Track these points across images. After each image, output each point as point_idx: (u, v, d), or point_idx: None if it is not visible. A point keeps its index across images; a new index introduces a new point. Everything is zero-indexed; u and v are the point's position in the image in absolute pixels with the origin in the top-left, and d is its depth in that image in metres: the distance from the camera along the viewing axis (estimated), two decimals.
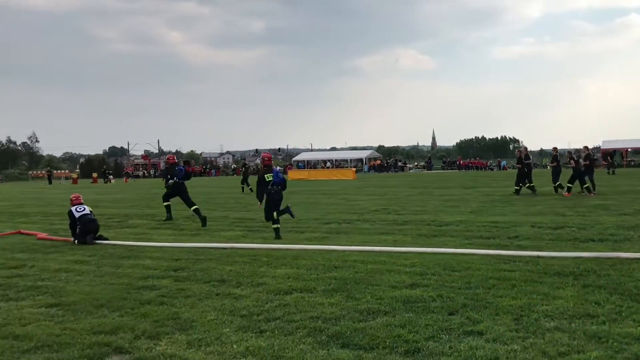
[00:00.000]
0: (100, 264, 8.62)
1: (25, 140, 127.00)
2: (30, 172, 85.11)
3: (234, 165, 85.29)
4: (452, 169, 64.81)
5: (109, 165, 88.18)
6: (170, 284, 6.98)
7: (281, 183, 11.26)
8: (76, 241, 10.86)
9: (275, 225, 11.01)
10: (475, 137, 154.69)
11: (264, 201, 11.32)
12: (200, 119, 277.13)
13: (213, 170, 79.36)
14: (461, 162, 67.89)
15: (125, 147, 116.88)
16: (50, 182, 56.59)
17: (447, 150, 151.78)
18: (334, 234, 11.37)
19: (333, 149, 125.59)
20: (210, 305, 5.93)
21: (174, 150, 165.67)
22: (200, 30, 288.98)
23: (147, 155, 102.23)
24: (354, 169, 52.14)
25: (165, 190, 15.09)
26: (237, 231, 12.21)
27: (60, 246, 10.65)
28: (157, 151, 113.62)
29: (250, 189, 27.83)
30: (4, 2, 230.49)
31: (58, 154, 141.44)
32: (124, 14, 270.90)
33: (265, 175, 11.36)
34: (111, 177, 58.31)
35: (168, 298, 6.28)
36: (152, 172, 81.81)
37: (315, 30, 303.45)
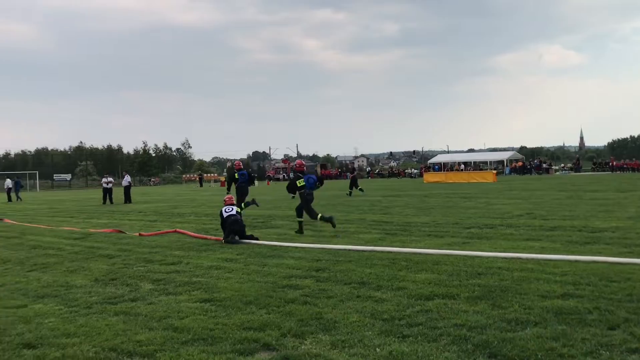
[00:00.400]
0: (247, 262, 9.06)
1: (180, 146, 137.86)
2: (183, 176, 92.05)
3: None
4: (604, 171, 59.84)
5: (253, 168, 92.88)
6: (313, 284, 7.14)
7: (312, 186, 12.83)
8: (224, 240, 11.53)
9: (299, 219, 12.59)
10: (630, 136, 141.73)
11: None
12: (335, 123, 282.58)
13: (348, 173, 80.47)
14: (614, 163, 62.52)
15: (267, 151, 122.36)
16: (201, 185, 60.85)
17: (596, 151, 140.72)
18: (475, 239, 10.96)
19: (471, 150, 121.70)
20: (351, 307, 5.98)
21: (310, 154, 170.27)
22: (336, 37, 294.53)
23: (287, 159, 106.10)
24: (494, 171, 50.09)
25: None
26: (374, 234, 12.22)
27: (212, 244, 11.36)
28: (295, 155, 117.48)
29: (360, 189, 28.75)
30: (162, 22, 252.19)
31: (207, 158, 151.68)
32: (265, 25, 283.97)
33: (298, 181, 12.77)
34: (255, 179, 61.42)
35: (311, 298, 6.42)
36: (291, 175, 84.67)
37: (450, 29, 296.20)
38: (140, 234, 13.60)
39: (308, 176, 12.99)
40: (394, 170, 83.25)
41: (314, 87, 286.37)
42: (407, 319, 5.43)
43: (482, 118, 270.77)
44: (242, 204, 13.23)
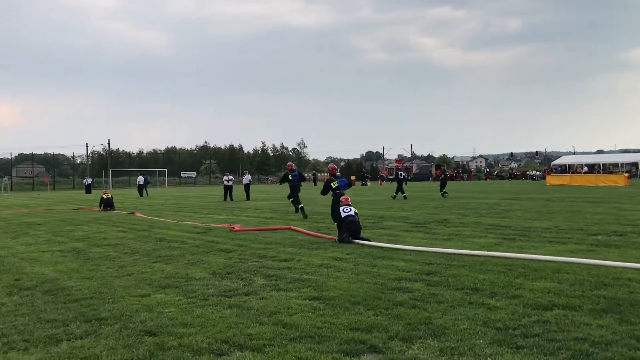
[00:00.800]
0: (357, 262, 9.06)
1: (295, 146, 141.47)
2: None
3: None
4: None
5: (366, 168, 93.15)
6: (423, 288, 6.98)
7: (346, 187, 15.05)
8: (337, 239, 11.62)
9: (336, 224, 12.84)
10: None
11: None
12: (452, 123, 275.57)
13: (465, 175, 78.20)
14: None
15: (381, 151, 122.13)
16: (315, 184, 61.96)
17: None
18: (602, 247, 10.18)
19: (600, 152, 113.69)
20: (463, 313, 5.76)
21: (425, 155, 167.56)
22: (454, 34, 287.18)
23: (401, 159, 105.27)
24: (626, 174, 46.35)
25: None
26: (490, 238, 11.75)
27: (323, 243, 11.50)
28: (409, 155, 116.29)
29: (444, 193, 29.09)
30: (281, 25, 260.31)
31: (322, 158, 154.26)
32: (380, 25, 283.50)
33: (332, 183, 14.95)
34: (368, 180, 61.49)
35: (420, 302, 6.28)
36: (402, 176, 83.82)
37: (578, 24, 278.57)
38: (257, 229, 14.09)
39: (340, 179, 15.31)
40: (514, 171, 79.81)
41: (431, 85, 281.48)
42: (522, 329, 5.14)
43: (612, 117, 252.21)
44: (291, 200, 18.58)
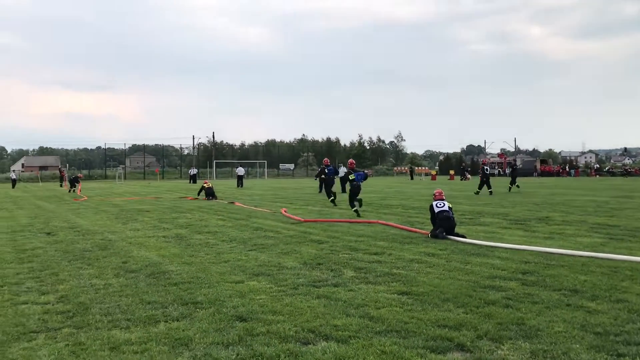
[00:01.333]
0: (450, 258, 8.86)
1: (393, 139, 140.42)
2: (395, 168, 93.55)
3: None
4: None
5: (467, 162, 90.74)
6: (517, 287, 6.71)
7: (362, 179, 17.26)
8: (430, 234, 11.42)
9: (353, 209, 16.44)
10: None
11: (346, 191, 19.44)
12: (560, 116, 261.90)
13: (571, 170, 74.11)
14: None
15: (482, 145, 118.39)
16: (411, 178, 61.31)
17: None
18: None
19: None
20: (559, 315, 5.48)
21: (530, 149, 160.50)
22: (564, 22, 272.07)
23: (504, 153, 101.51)
24: None
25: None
26: (595, 238, 11.06)
27: (415, 238, 11.35)
28: (513, 149, 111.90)
29: (518, 185, 29.65)
30: (383, 18, 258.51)
31: (420, 151, 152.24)
32: (484, 14, 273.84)
33: (350, 176, 17.19)
34: (468, 174, 59.88)
35: (514, 301, 6.04)
36: (507, 171, 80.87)
37: None
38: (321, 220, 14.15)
39: (357, 173, 17.64)
40: (627, 168, 74.58)
41: (537, 77, 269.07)
42: (625, 336, 4.81)
43: None
44: (327, 192, 22.72)
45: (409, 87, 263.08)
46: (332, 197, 21.07)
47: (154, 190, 38.06)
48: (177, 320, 5.57)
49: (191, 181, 55.52)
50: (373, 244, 10.59)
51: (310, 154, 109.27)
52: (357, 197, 16.74)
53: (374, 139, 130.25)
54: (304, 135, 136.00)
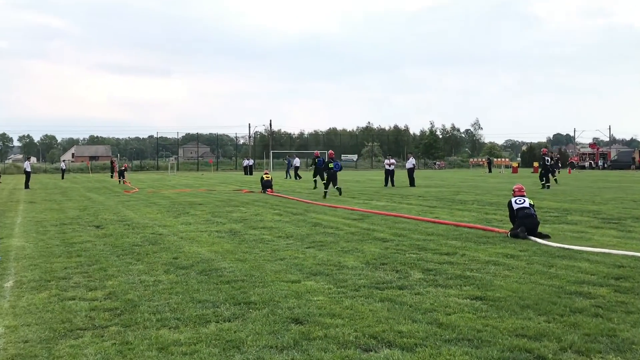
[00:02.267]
0: (531, 260, 8.63)
1: (469, 127, 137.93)
2: (470, 160, 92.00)
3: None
4: None
5: (554, 153, 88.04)
6: (609, 294, 6.46)
7: (339, 169, 23.98)
8: (509, 234, 11.15)
9: (324, 190, 22.96)
10: None
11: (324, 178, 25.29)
12: None
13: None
14: None
15: (571, 134, 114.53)
16: (489, 171, 60.13)
17: None
18: None
19: None
20: None
21: (627, 138, 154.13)
22: None
23: (596, 143, 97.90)
24: None
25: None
26: None
27: (492, 237, 11.11)
28: (607, 139, 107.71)
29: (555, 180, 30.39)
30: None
31: (500, 141, 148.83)
32: None
33: (330, 164, 22.88)
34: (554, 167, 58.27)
35: (604, 310, 5.82)
36: (600, 162, 78.03)
37: None
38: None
39: (336, 162, 23.42)
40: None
41: (637, 55, 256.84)
42: None
43: None
44: (316, 179, 29.87)
45: (487, 69, 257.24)
46: (324, 185, 24.36)
47: (207, 182, 38.95)
48: (229, 321, 5.68)
49: (246, 173, 56.50)
50: (444, 243, 10.45)
51: (375, 143, 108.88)
52: (337, 186, 23.15)
53: (448, 127, 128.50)
54: (369, 123, 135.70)
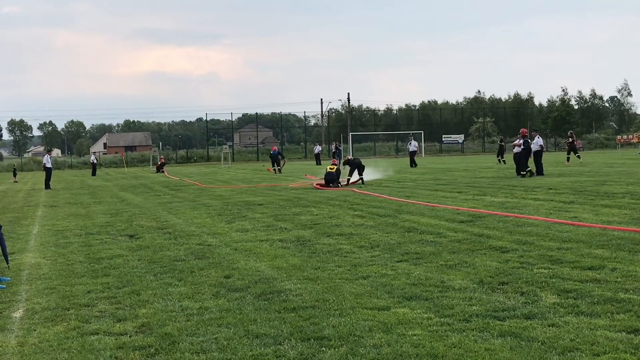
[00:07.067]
0: None
1: (615, 93, 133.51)
2: (618, 137, 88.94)
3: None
4: None
5: None
6: None
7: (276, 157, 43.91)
8: None
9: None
10: None
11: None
12: None
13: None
14: None
15: None
16: None
17: None
18: None
19: None
20: None
21: None
22: None
23: None
24: None
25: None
26: None
27: None
28: None
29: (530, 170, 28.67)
30: None
31: None
32: None
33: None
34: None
35: None
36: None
37: None
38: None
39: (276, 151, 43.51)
40: None
41: None
42: None
43: None
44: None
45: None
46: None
47: (269, 176, 39.35)
48: None
49: (317, 162, 56.80)
50: (586, 252, 10.02)
51: (487, 119, 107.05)
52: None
53: (586, 95, 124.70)
54: (479, 92, 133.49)
